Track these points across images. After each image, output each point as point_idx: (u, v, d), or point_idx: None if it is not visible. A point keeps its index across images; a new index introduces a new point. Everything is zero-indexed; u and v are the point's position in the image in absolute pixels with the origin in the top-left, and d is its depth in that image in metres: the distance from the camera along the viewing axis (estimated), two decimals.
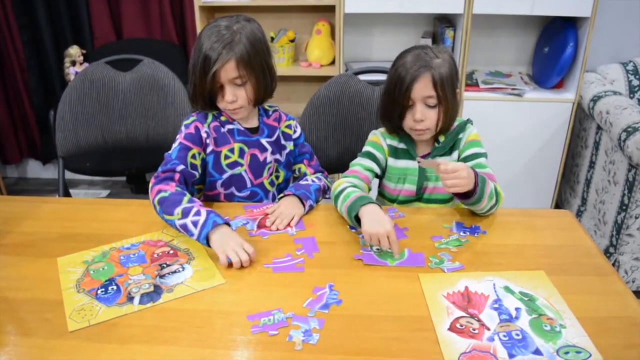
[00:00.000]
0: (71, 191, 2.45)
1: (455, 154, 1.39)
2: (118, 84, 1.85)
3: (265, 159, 1.43)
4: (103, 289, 1.07)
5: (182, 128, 1.37)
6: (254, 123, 1.43)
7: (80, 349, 0.92)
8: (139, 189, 2.74)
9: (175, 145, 1.34)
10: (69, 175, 2.27)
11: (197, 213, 1.18)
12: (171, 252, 1.19)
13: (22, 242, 1.24)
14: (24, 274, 1.12)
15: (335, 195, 1.31)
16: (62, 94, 1.81)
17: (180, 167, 1.30)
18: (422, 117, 1.29)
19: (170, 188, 1.25)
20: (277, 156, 1.46)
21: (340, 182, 1.34)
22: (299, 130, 1.50)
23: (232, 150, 1.39)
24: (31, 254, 1.19)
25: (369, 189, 1.41)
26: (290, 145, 1.48)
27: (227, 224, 1.18)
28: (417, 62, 1.27)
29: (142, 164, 2.48)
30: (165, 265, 1.14)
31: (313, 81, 2.69)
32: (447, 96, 1.28)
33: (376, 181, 1.49)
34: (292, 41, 2.70)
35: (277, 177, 1.48)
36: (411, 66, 1.27)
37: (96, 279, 1.10)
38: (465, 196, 1.24)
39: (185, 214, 1.18)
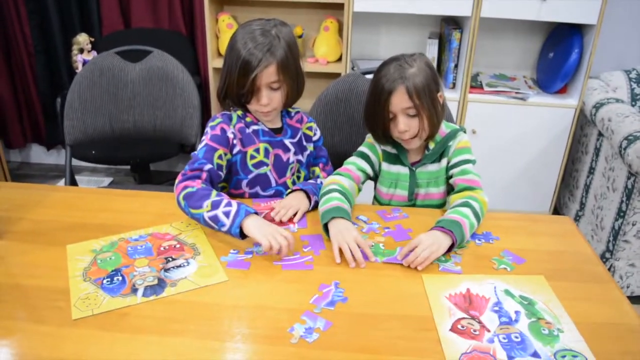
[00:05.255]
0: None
1: (444, 161, 1.41)
2: (127, 74, 1.87)
3: (289, 159, 1.44)
4: (109, 279, 1.09)
5: (208, 130, 1.37)
6: (277, 124, 1.44)
7: (92, 338, 0.94)
8: (143, 179, 2.75)
9: (201, 146, 1.35)
10: (73, 161, 2.28)
11: (228, 204, 1.20)
12: (177, 246, 1.21)
13: (33, 229, 1.26)
14: (36, 261, 1.14)
15: (323, 192, 1.34)
16: (72, 83, 1.82)
17: (208, 167, 1.31)
18: (405, 127, 1.31)
19: (197, 184, 1.26)
20: (300, 157, 1.47)
21: (332, 180, 1.37)
22: (318, 133, 1.52)
23: (257, 150, 1.40)
24: (42, 242, 1.21)
25: (359, 190, 1.44)
26: (310, 147, 1.50)
27: (257, 213, 1.21)
28: (393, 75, 1.28)
29: (148, 153, 2.51)
30: (170, 259, 1.16)
31: (319, 77, 2.71)
32: (425, 104, 1.29)
33: (371, 184, 1.52)
34: (299, 37, 2.71)
35: (299, 177, 1.50)
36: (387, 80, 1.29)
37: (103, 269, 1.12)
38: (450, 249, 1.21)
39: (215, 206, 1.20)
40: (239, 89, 1.31)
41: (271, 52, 1.27)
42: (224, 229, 1.19)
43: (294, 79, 1.35)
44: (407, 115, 1.31)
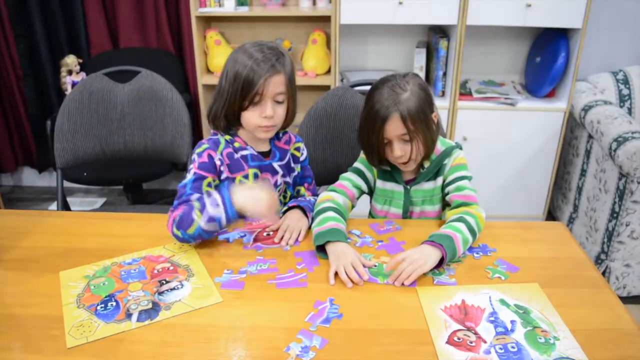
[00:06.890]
0: (67, 199, 2.46)
1: (439, 179, 1.40)
2: (116, 95, 1.87)
3: (276, 181, 1.43)
4: (102, 305, 1.08)
5: (195, 157, 1.34)
6: (266, 147, 1.42)
7: None
8: (136, 198, 2.75)
9: (189, 176, 1.32)
10: (65, 183, 2.28)
11: (209, 195, 1.23)
12: (171, 268, 1.20)
13: (26, 257, 1.25)
14: (29, 289, 1.13)
15: (318, 209, 1.33)
16: (61, 106, 1.82)
17: (196, 196, 1.28)
18: (401, 152, 1.30)
19: (181, 210, 1.25)
20: (287, 178, 1.46)
21: (327, 197, 1.36)
22: (305, 153, 1.51)
23: (246, 177, 1.38)
24: (35, 269, 1.20)
25: (352, 207, 1.44)
26: (298, 168, 1.48)
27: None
28: (387, 100, 1.27)
29: (140, 173, 2.50)
30: (164, 282, 1.15)
31: (308, 90, 2.72)
32: (420, 129, 1.28)
33: (367, 198, 1.52)
34: (288, 50, 2.72)
35: (285, 197, 1.49)
36: (381, 105, 1.27)
37: (96, 295, 1.12)
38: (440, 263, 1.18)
39: (202, 208, 1.22)
40: (241, 101, 1.27)
41: (281, 63, 1.27)
42: (223, 219, 1.21)
43: (293, 98, 1.34)
44: (402, 141, 1.30)
